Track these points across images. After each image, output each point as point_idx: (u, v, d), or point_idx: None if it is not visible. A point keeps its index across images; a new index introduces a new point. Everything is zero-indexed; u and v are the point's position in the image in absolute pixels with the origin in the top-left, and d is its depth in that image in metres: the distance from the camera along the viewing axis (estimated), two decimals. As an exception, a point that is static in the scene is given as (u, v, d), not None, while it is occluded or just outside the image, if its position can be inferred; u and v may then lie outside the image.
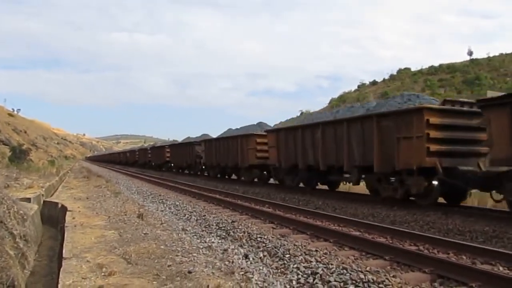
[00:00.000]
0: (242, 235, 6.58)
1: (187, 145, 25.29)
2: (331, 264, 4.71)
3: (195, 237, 6.57)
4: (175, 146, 28.97)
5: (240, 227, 7.26)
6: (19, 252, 6.42)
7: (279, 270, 4.74)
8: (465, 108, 9.32)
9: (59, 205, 11.01)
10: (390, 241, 6.27)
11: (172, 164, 30.37)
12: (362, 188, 13.62)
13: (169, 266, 4.52)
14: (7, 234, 6.42)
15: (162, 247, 5.41)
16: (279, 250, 5.51)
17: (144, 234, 6.31)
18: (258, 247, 5.85)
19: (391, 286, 4.04)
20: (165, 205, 10.81)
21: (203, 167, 23.13)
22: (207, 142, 21.68)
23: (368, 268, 4.51)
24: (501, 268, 4.80)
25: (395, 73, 79.78)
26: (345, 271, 4.44)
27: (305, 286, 4.23)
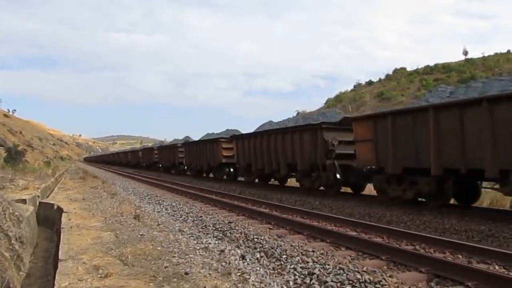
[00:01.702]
0: (239, 236, 6.58)
1: (301, 131, 13.00)
2: (328, 265, 4.71)
3: (191, 238, 6.55)
4: (251, 137, 16.44)
5: (237, 228, 7.25)
6: (15, 254, 6.39)
7: (276, 271, 4.74)
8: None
9: (55, 207, 10.96)
10: (387, 241, 6.29)
11: (232, 170, 19.73)
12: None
13: (165, 267, 4.51)
14: (3, 235, 6.39)
15: (158, 248, 5.39)
16: (276, 250, 5.51)
17: (141, 235, 6.30)
18: (255, 248, 5.84)
19: (387, 286, 4.05)
20: (161, 206, 10.78)
21: (338, 177, 11.57)
22: (387, 116, 9.67)
23: (364, 268, 4.52)
24: (497, 267, 4.82)
25: (391, 73, 79.96)
26: (342, 271, 4.45)
27: (302, 287, 4.23)
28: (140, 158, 40.49)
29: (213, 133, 23.37)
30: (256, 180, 16.94)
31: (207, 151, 21.12)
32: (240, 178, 18.93)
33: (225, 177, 20.59)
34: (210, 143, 20.91)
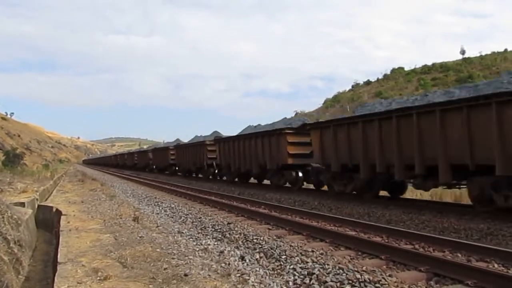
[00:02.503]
0: (238, 237, 6.57)
1: (502, 104, 6.97)
2: (328, 265, 4.71)
3: (191, 239, 6.55)
4: (357, 123, 10.32)
5: (236, 228, 7.24)
6: (14, 257, 6.38)
7: (275, 271, 4.73)
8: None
9: (54, 209, 10.94)
10: (386, 240, 6.28)
11: (301, 174, 13.90)
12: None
13: (165, 269, 4.50)
14: (1, 239, 6.38)
15: (158, 250, 5.39)
16: (275, 251, 5.51)
17: (140, 237, 6.29)
18: (254, 249, 5.84)
19: (387, 285, 4.05)
20: (160, 208, 10.77)
21: None
22: None
23: (364, 268, 4.52)
24: (496, 265, 4.82)
25: (389, 72, 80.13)
26: (341, 271, 4.44)
27: (301, 287, 4.23)
28: (150, 160, 33.46)
29: (259, 124, 18.15)
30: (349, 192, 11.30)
31: (258, 148, 15.07)
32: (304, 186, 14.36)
33: (287, 184, 14.51)
34: (266, 137, 14.66)
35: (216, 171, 20.46)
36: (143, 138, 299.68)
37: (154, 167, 32.14)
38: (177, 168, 27.21)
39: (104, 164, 64.26)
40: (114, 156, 62.46)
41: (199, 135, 25.40)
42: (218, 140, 19.55)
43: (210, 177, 21.51)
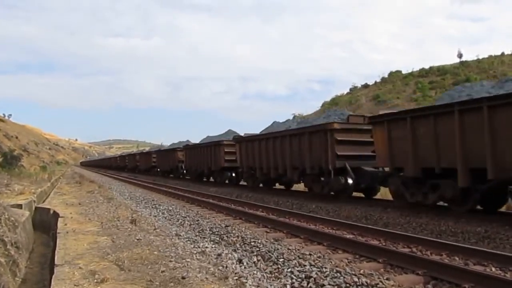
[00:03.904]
0: (236, 240, 6.57)
1: None
2: (325, 268, 4.71)
3: (188, 242, 6.54)
4: None
5: (233, 231, 7.24)
6: (10, 259, 6.35)
7: (273, 275, 4.73)
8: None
9: (51, 211, 10.91)
10: (384, 244, 6.30)
11: None
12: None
13: (162, 272, 4.49)
14: (-2, 241, 6.35)
15: (155, 252, 5.38)
16: (273, 254, 5.51)
17: (137, 239, 6.27)
18: (252, 252, 5.84)
19: (384, 288, 4.05)
20: (158, 210, 10.76)
21: None
22: None
23: (362, 271, 4.53)
24: (493, 269, 4.83)
25: (386, 76, 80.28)
26: (339, 274, 4.45)
27: (299, 290, 4.22)
28: (179, 162, 24.33)
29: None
30: None
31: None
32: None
33: None
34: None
35: (351, 180, 10.78)
36: (141, 140, 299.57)
37: (185, 171, 23.85)
38: (233, 174, 18.36)
39: (105, 167, 56.07)
40: (120, 158, 50.80)
41: (279, 121, 16.47)
42: (388, 116, 9.37)
43: (333, 193, 11.78)
